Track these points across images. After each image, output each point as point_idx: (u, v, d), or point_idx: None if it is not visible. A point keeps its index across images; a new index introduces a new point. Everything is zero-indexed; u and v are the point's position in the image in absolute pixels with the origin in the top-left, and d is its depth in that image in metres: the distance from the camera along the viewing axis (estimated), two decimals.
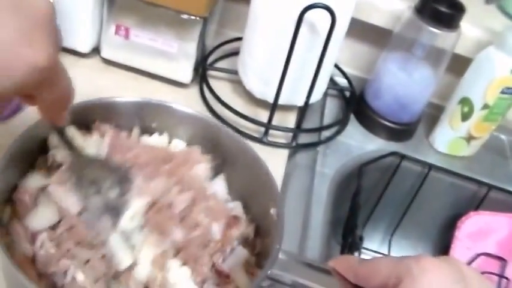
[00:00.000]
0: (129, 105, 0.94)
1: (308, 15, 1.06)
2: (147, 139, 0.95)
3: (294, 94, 1.21)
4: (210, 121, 0.96)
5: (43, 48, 0.59)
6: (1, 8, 0.56)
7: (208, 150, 0.94)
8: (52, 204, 0.80)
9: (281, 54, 1.12)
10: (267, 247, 0.82)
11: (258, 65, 1.21)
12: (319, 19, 1.09)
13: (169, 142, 0.96)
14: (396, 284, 0.59)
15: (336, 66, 1.40)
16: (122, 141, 0.90)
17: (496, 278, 1.28)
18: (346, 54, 1.44)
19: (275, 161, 1.15)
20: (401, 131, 1.36)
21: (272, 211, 0.84)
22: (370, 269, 0.63)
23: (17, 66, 0.58)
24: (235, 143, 0.93)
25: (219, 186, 0.93)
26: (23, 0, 0.57)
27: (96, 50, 1.25)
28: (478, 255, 1.29)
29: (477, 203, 1.35)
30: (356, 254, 1.29)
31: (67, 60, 1.19)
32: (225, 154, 0.94)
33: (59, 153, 0.84)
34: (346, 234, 1.26)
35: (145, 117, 0.95)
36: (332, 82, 1.40)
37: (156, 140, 0.95)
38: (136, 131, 0.94)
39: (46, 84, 0.63)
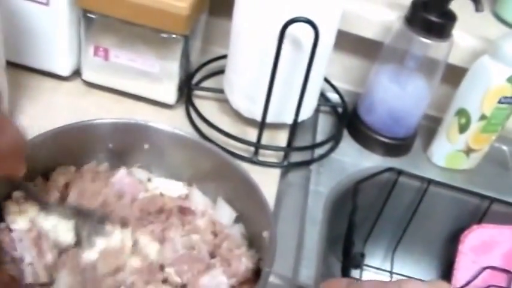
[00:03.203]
0: (108, 127, 0.94)
1: (290, 30, 1.03)
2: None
3: (283, 112, 1.18)
4: (199, 143, 0.96)
5: None
6: None
7: (200, 173, 0.95)
8: None
9: (266, 71, 1.09)
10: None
11: (244, 83, 1.18)
12: (302, 34, 1.06)
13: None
14: None
15: (327, 81, 1.38)
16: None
17: None
18: (336, 69, 1.42)
19: (267, 181, 1.12)
20: (397, 146, 1.32)
21: (265, 234, 0.83)
22: None
23: None
24: (225, 165, 0.93)
25: (225, 212, 0.94)
26: None
27: (77, 73, 1.23)
28: (484, 268, 1.26)
29: (480, 216, 1.31)
30: (358, 271, 1.28)
31: (48, 85, 1.19)
32: (215, 176, 0.94)
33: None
34: (346, 252, 1.25)
35: (128, 139, 0.95)
36: (323, 98, 1.38)
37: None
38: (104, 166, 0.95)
39: None
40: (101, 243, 0.82)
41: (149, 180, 0.97)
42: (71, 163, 0.92)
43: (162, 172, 0.97)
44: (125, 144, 0.94)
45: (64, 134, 0.89)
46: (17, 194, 0.84)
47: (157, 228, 0.87)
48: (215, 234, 0.90)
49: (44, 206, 0.83)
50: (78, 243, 0.82)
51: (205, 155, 0.93)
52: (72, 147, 0.91)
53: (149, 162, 0.97)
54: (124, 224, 0.86)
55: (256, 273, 0.85)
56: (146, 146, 0.95)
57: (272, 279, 0.77)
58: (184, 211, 0.91)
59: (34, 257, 0.77)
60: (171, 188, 0.95)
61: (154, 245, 0.85)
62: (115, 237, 0.84)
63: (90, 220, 0.83)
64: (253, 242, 0.89)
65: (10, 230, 0.81)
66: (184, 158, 0.95)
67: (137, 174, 0.96)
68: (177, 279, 0.82)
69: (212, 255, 0.86)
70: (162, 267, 0.84)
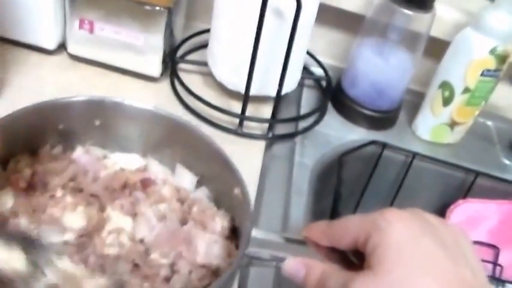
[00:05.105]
0: (80, 104, 0.90)
1: (272, 0, 1.04)
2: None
3: (266, 84, 1.19)
4: (149, 110, 0.92)
5: None
6: None
7: (153, 141, 0.93)
8: None
9: (248, 43, 1.10)
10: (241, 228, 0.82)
11: (227, 55, 1.19)
12: (284, 4, 1.07)
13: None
14: (366, 239, 0.62)
15: (311, 55, 1.38)
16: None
17: (490, 266, 1.25)
18: (320, 43, 1.42)
19: (251, 153, 1.14)
20: (382, 119, 1.33)
21: (236, 191, 0.83)
22: (340, 229, 0.67)
23: None
24: (178, 128, 0.91)
25: (185, 177, 0.93)
26: None
27: (63, 47, 1.23)
28: None
29: (465, 191, 1.31)
30: None
31: (34, 59, 1.19)
32: (170, 142, 0.93)
33: None
34: None
35: (79, 117, 0.91)
36: (307, 72, 1.38)
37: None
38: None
39: None
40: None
41: (105, 157, 0.94)
42: (23, 150, 0.87)
43: (115, 147, 0.94)
44: (75, 123, 0.91)
45: (18, 120, 0.83)
46: None
47: (126, 203, 0.85)
48: (181, 201, 0.89)
49: None
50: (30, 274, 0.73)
51: (156, 122, 0.91)
52: (24, 133, 0.86)
53: (101, 139, 0.93)
54: (95, 199, 0.84)
55: (232, 232, 0.85)
56: (97, 123, 0.91)
57: (257, 234, 0.76)
58: (145, 183, 0.90)
59: None
60: (129, 162, 0.93)
61: (128, 219, 0.83)
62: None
63: (40, 250, 0.76)
64: (220, 202, 0.89)
65: None
66: (135, 129, 0.92)
67: (93, 152, 0.93)
68: (164, 261, 0.80)
69: (183, 223, 0.85)
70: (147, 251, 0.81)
